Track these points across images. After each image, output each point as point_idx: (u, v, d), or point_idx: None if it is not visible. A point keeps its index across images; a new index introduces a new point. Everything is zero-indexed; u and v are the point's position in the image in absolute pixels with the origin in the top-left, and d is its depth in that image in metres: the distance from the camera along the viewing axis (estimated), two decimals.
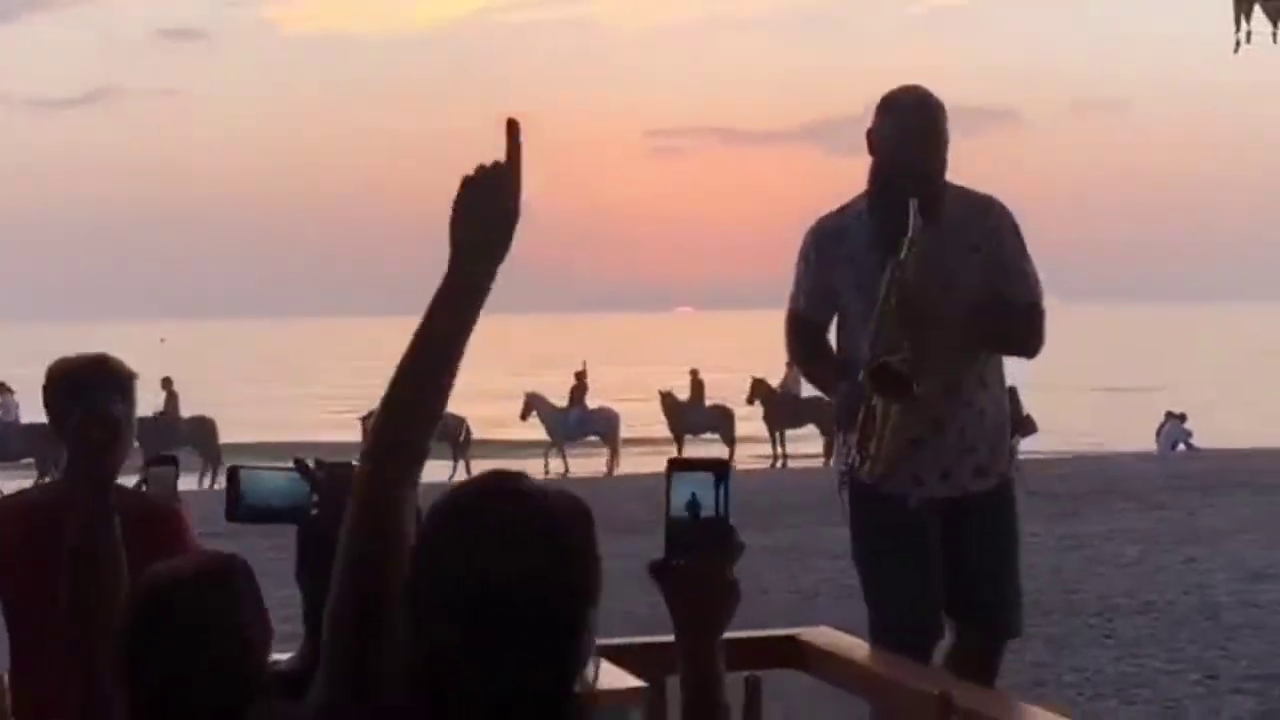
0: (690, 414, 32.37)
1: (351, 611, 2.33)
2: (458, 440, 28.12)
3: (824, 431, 30.36)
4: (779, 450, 31.40)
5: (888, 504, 5.21)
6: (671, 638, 2.47)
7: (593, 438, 31.75)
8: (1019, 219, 5.33)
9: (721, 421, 32.00)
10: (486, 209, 2.43)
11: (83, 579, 2.93)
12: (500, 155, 2.46)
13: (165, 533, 3.76)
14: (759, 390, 31.91)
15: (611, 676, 3.87)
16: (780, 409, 31.40)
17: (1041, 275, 5.40)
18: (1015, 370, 5.79)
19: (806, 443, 31.38)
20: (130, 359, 4.56)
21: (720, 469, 2.53)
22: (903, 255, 5.03)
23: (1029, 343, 5.37)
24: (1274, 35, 4.88)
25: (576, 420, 30.90)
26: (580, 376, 31.92)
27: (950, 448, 5.24)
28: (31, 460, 26.98)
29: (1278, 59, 4.99)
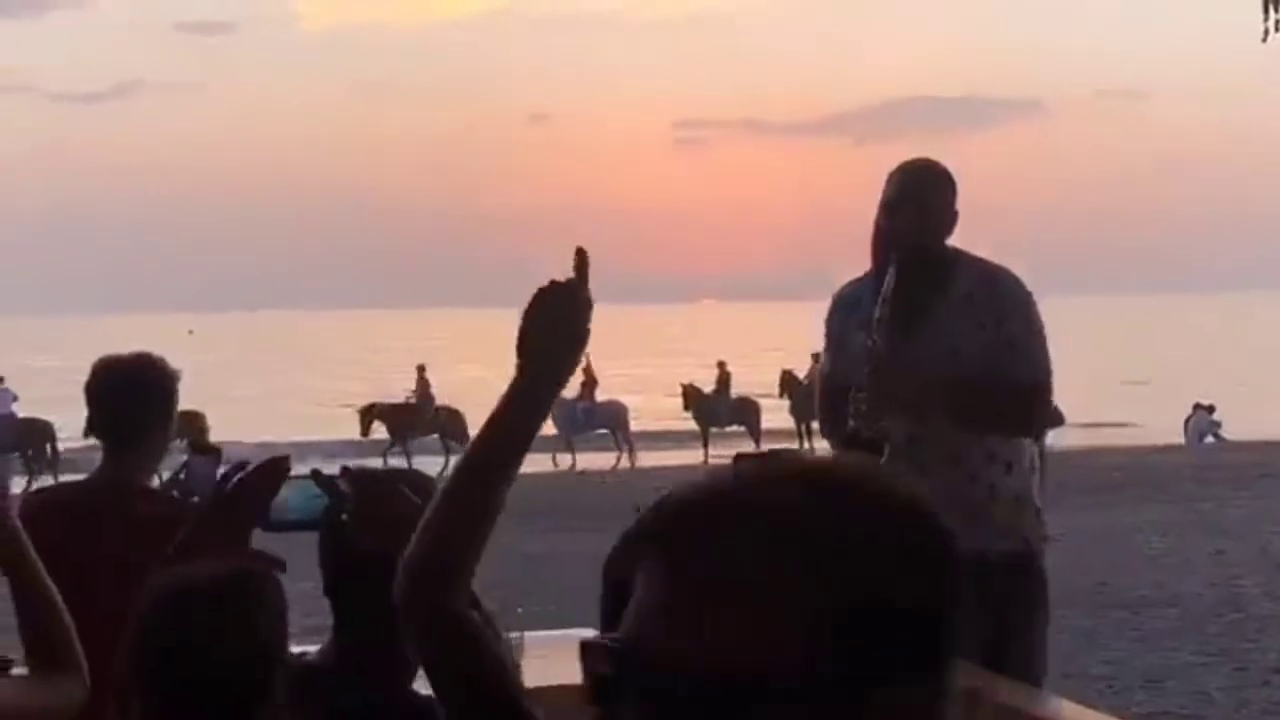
0: (716, 406, 32.38)
1: None
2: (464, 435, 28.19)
3: None
4: (807, 443, 31.40)
5: None
6: None
7: (601, 431, 31.67)
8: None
9: (748, 414, 32.00)
10: (562, 324, 2.39)
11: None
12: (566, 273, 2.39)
13: None
14: (788, 382, 31.91)
15: None
16: (807, 401, 31.38)
17: (1030, 264, 5.36)
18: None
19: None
20: (159, 351, 4.58)
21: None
22: (876, 317, 5.08)
23: (1025, 425, 5.36)
24: None
25: (585, 413, 30.77)
26: (587, 370, 31.89)
27: (958, 524, 5.15)
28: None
29: None
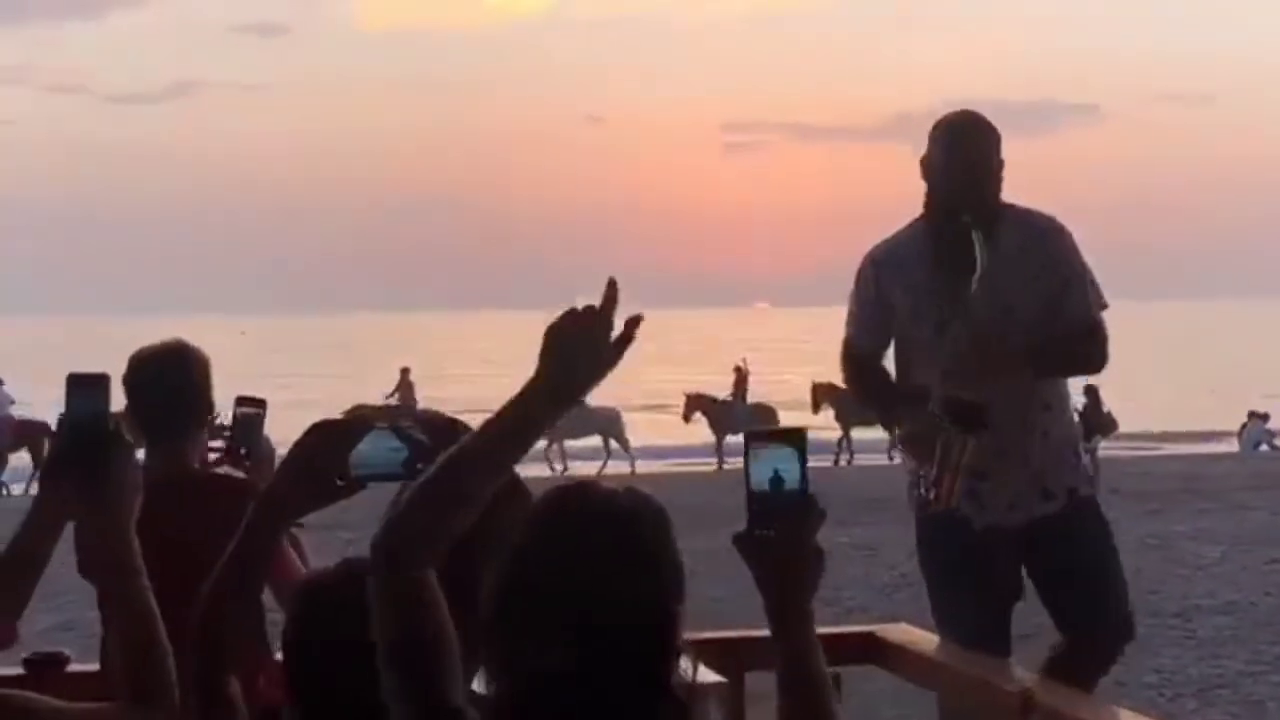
0: (733, 413, 31.80)
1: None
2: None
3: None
4: (847, 448, 31.35)
5: (953, 532, 5.20)
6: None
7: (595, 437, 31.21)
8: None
9: (765, 421, 31.59)
10: (586, 343, 2.40)
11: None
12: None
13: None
14: (822, 395, 31.49)
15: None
16: (850, 405, 31.41)
17: (1102, 285, 5.36)
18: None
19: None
20: (212, 351, 4.63)
21: (799, 440, 2.54)
22: (973, 290, 5.06)
23: (1093, 363, 5.41)
24: None
25: (576, 418, 30.59)
26: None
27: (1016, 477, 5.20)
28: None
29: None
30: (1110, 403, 25.10)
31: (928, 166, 5.26)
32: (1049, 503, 5.24)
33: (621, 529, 2.29)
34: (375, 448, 2.69)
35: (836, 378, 27.49)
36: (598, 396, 31.42)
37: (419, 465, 2.61)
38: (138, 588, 2.75)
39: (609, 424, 30.88)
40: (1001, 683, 4.16)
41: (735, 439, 31.20)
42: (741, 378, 32.63)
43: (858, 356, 5.42)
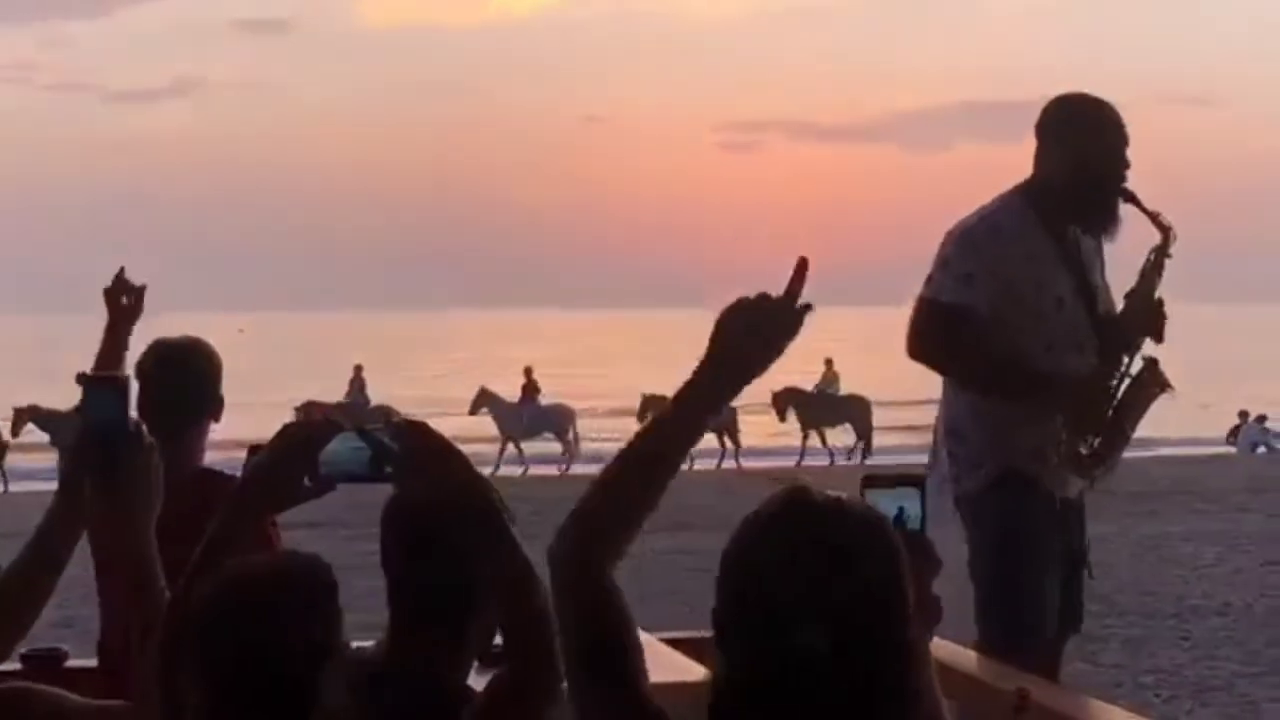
0: (823, 404, 32.06)
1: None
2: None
3: (858, 430, 30.99)
4: (826, 446, 31.38)
5: (1036, 503, 5.20)
6: None
7: (548, 435, 31.14)
8: None
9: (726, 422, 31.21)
10: (762, 327, 2.43)
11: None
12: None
13: None
14: (784, 400, 31.11)
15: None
16: (816, 407, 31.66)
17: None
18: None
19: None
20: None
21: (920, 483, 2.51)
22: (1147, 266, 5.26)
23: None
24: None
25: (530, 417, 30.50)
26: (528, 373, 31.68)
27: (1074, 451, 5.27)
28: None
29: None
30: None
31: (1079, 142, 5.24)
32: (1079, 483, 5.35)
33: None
34: (343, 448, 2.72)
35: (796, 381, 27.38)
36: (565, 396, 31.49)
37: (386, 468, 2.65)
38: (160, 589, 2.76)
39: (561, 421, 30.82)
40: (997, 681, 4.17)
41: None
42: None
43: (959, 320, 5.20)
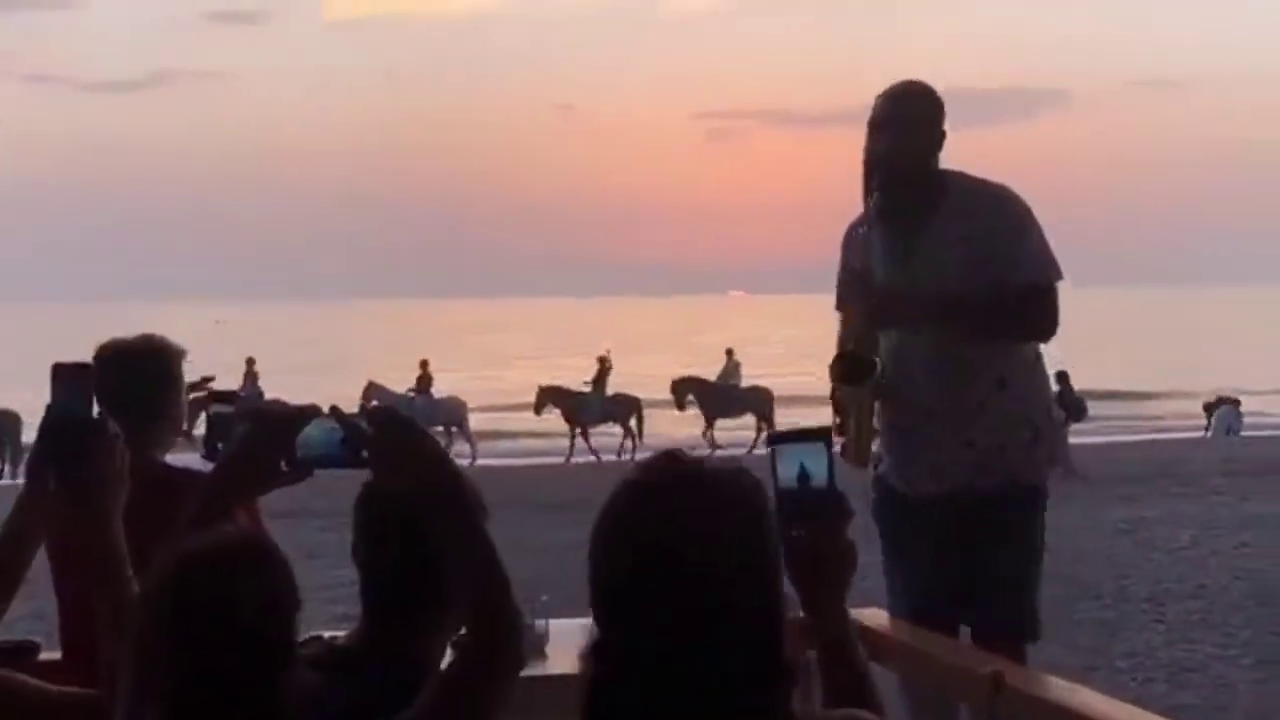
0: (588, 403, 31.42)
1: None
2: None
3: (760, 420, 30.55)
4: (711, 437, 30.92)
5: (889, 497, 5.24)
6: None
7: (441, 427, 30.13)
8: (1034, 203, 5.26)
9: (623, 411, 31.01)
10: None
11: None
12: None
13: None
14: (683, 389, 31.53)
15: None
16: (716, 398, 31.62)
17: (1059, 258, 5.30)
18: (1058, 355, 5.70)
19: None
20: (186, 340, 4.61)
21: (825, 437, 2.57)
22: (861, 237, 5.17)
23: (1030, 326, 5.25)
24: None
25: (421, 408, 29.67)
26: (424, 365, 31.45)
27: (943, 442, 5.19)
28: None
29: None
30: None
31: (870, 128, 5.27)
32: (982, 478, 5.17)
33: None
34: (320, 434, 2.71)
35: (698, 371, 27.41)
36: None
37: (362, 453, 2.64)
38: (125, 579, 2.75)
39: (453, 414, 30.66)
40: (971, 664, 4.16)
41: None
42: (604, 369, 32.00)
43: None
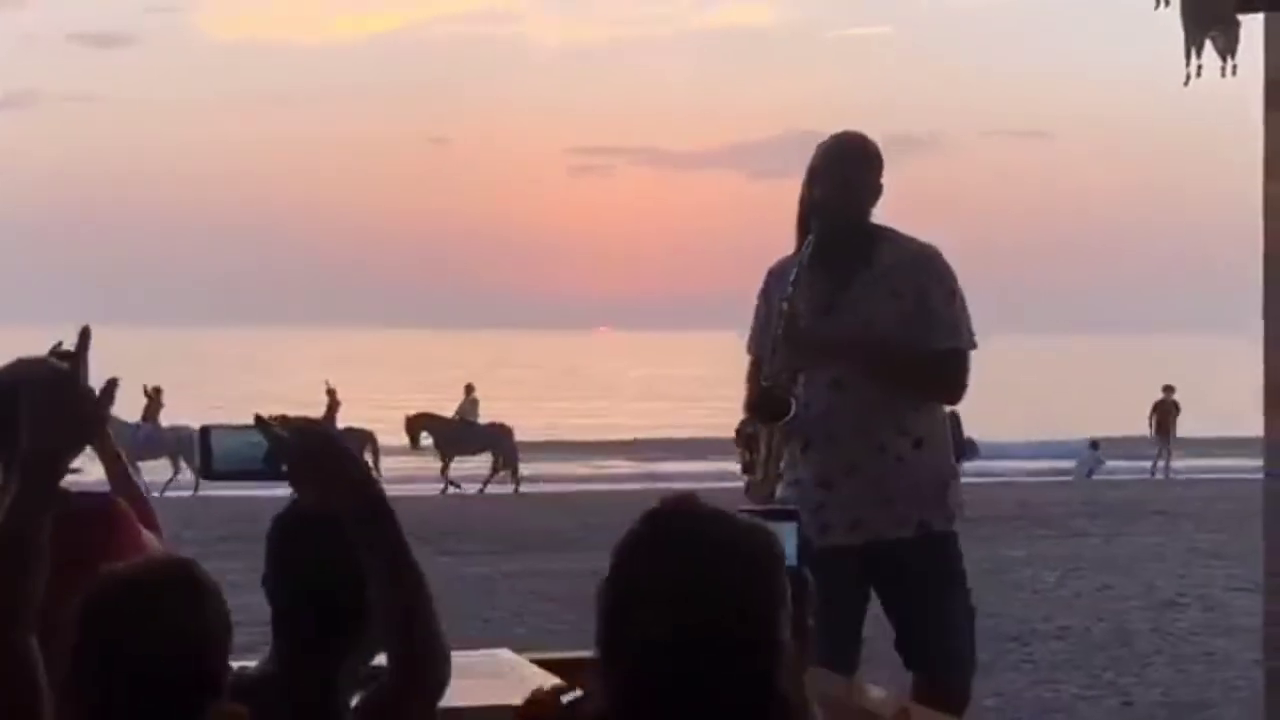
0: (459, 432, 31.68)
1: None
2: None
3: (498, 460, 30.45)
4: (447, 475, 30.93)
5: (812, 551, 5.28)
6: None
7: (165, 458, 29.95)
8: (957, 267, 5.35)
9: (356, 443, 30.74)
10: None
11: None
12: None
13: (109, 530, 3.69)
14: (418, 426, 31.37)
15: None
16: (452, 436, 31.37)
17: (976, 329, 5.41)
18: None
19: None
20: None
21: (794, 517, 2.62)
22: (790, 280, 5.22)
23: (944, 387, 5.39)
24: (1222, 70, 4.96)
25: (145, 437, 29.42)
26: (156, 394, 30.78)
27: (862, 496, 5.26)
28: None
29: (1224, 93, 5.07)
30: None
31: (805, 180, 5.34)
32: (899, 528, 5.28)
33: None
34: (239, 444, 2.63)
35: (436, 408, 26.94)
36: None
37: (282, 465, 2.57)
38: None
39: (178, 443, 29.51)
40: (874, 707, 4.22)
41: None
42: (333, 402, 31.59)
43: (752, 369, 5.45)
